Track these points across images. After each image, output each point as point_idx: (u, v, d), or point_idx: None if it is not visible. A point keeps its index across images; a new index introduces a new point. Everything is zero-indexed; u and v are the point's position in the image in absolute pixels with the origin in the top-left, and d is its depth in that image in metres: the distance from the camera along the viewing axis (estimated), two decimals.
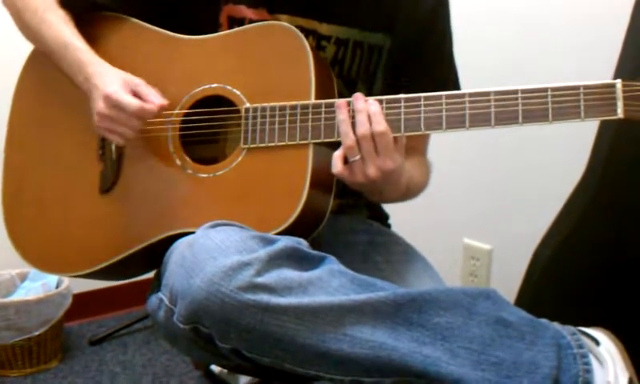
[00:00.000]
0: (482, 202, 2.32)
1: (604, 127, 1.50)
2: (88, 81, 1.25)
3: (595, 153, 1.53)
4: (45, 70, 1.36)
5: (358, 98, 1.12)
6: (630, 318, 1.36)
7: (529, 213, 2.10)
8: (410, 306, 0.98)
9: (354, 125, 1.11)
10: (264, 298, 0.95)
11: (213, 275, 0.96)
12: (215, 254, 0.99)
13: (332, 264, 1.04)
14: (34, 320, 2.19)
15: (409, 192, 1.26)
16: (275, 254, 0.99)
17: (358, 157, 1.10)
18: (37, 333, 2.20)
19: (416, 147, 1.37)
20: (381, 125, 1.09)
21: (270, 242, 1.02)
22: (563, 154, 1.90)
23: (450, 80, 1.40)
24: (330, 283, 0.99)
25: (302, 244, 1.05)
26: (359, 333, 0.96)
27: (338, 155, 1.12)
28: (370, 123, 1.09)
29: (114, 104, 1.19)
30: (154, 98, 1.21)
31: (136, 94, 1.21)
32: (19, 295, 2.27)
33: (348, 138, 1.10)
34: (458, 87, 1.40)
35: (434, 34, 1.38)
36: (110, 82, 1.22)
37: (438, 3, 1.37)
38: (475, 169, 2.30)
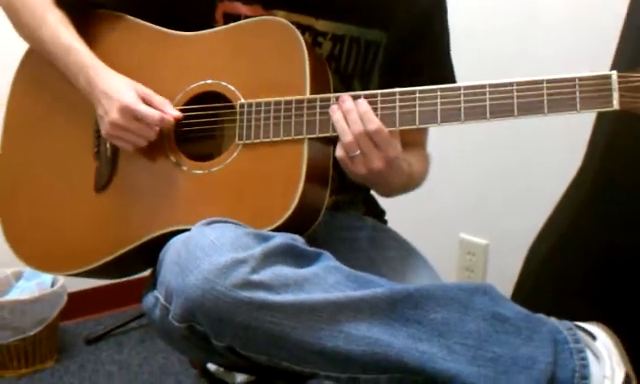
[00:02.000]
0: (478, 197, 2.32)
1: (600, 123, 1.50)
2: (92, 85, 1.24)
3: (591, 148, 1.52)
4: (40, 70, 1.36)
5: (345, 100, 1.12)
6: (626, 312, 1.36)
7: (525, 208, 2.10)
8: (405, 302, 0.97)
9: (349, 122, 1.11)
10: (259, 295, 0.95)
11: (208, 273, 0.96)
12: (210, 252, 0.98)
13: (328, 260, 1.03)
14: (29, 320, 2.18)
15: (411, 179, 1.28)
16: (270, 251, 0.99)
17: (357, 152, 1.11)
18: (32, 332, 2.19)
19: (417, 141, 1.38)
20: (373, 123, 1.10)
21: (265, 238, 1.02)
22: (559, 149, 1.90)
23: (447, 77, 1.39)
24: (326, 280, 0.99)
25: (298, 240, 1.04)
26: (355, 330, 0.96)
27: (340, 145, 1.13)
28: (363, 122, 1.10)
29: (132, 115, 1.20)
30: (170, 109, 1.22)
31: (146, 101, 1.22)
32: (14, 295, 2.26)
33: (346, 136, 1.11)
34: (452, 78, 1.40)
35: (431, 31, 1.38)
36: (123, 90, 1.22)
37: (435, 0, 1.36)
38: (471, 164, 2.30)
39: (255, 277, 0.95)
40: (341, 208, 1.40)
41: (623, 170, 1.46)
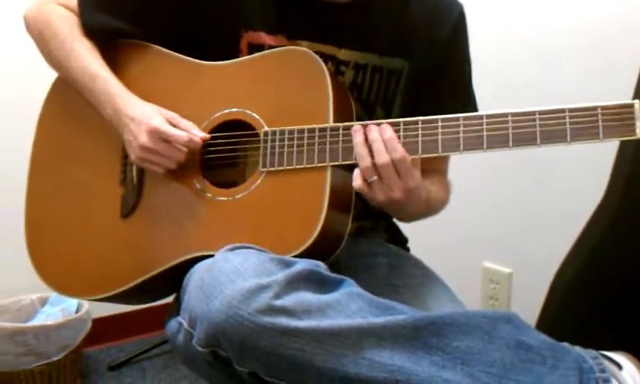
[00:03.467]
0: (502, 225, 2.31)
1: (623, 148, 1.49)
2: (118, 113, 1.26)
3: (616, 174, 1.51)
4: (67, 99, 1.39)
5: (372, 130, 1.13)
6: None
7: (548, 236, 2.09)
8: (429, 330, 0.97)
9: (370, 148, 1.12)
10: (282, 321, 0.95)
11: (231, 298, 0.96)
12: (233, 277, 0.99)
13: (350, 287, 1.03)
14: (54, 345, 2.18)
15: (429, 207, 1.28)
16: (293, 277, 0.99)
17: (375, 178, 1.11)
18: (56, 358, 2.19)
19: (437, 169, 1.38)
20: (397, 151, 1.11)
21: (289, 264, 1.02)
22: (583, 176, 1.90)
23: (468, 104, 1.41)
24: (349, 306, 0.99)
25: (321, 266, 1.05)
26: (378, 356, 0.95)
27: (358, 172, 1.13)
28: (387, 150, 1.11)
29: (161, 137, 1.22)
30: (196, 131, 1.24)
31: (173, 125, 1.23)
32: (39, 320, 2.27)
33: (364, 161, 1.12)
34: (474, 108, 1.41)
35: (453, 59, 1.39)
36: (150, 114, 1.24)
37: (456, 28, 1.37)
38: (495, 191, 2.30)
39: (278, 302, 0.96)
40: (363, 234, 1.41)
41: None
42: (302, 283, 1.00)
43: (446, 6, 1.38)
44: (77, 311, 2.31)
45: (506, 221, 2.30)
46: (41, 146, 1.43)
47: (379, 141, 1.12)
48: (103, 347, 2.57)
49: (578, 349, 1.02)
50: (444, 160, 1.42)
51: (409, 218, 1.32)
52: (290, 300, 0.97)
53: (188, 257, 1.20)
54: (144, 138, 1.22)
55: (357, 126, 1.14)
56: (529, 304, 1.65)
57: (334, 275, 1.05)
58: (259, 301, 0.95)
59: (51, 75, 1.42)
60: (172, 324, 1.15)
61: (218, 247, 1.13)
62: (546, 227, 2.15)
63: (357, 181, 1.13)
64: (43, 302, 2.35)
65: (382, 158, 1.11)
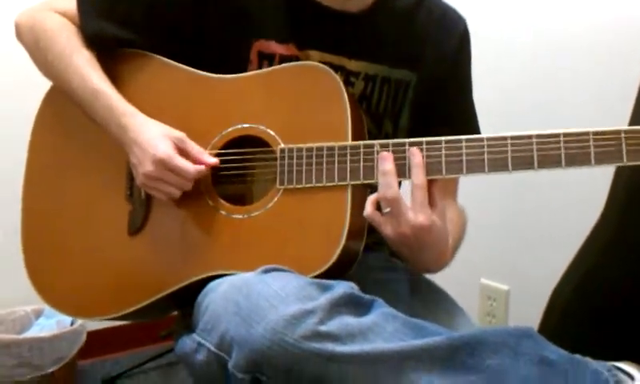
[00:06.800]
0: (500, 243, 2.32)
1: (621, 168, 1.49)
2: (124, 132, 1.23)
3: (613, 193, 1.52)
4: (63, 110, 1.34)
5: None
6: None
7: (546, 253, 2.10)
8: (464, 350, 0.96)
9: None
10: (329, 346, 0.94)
11: (275, 324, 0.95)
12: (275, 302, 0.97)
13: (382, 307, 1.02)
14: (48, 357, 2.17)
15: (452, 255, 1.26)
16: (335, 301, 0.98)
17: (389, 209, 1.09)
18: (50, 370, 2.18)
19: (448, 189, 1.37)
20: (419, 178, 1.09)
21: (327, 288, 1.01)
22: (580, 193, 1.90)
23: (472, 117, 1.42)
24: (386, 328, 0.98)
25: (355, 288, 1.03)
26: (418, 378, 0.95)
27: (372, 199, 1.11)
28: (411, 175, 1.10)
29: (169, 168, 1.18)
30: (206, 158, 1.21)
31: (181, 150, 1.20)
32: (34, 332, 2.26)
33: (390, 190, 1.09)
34: (477, 124, 1.42)
35: (459, 72, 1.40)
36: (158, 142, 1.20)
37: (462, 42, 1.39)
38: (492, 209, 2.30)
39: (323, 328, 0.95)
40: (370, 248, 1.40)
41: None
42: (342, 307, 0.98)
43: (453, 19, 1.40)
44: (72, 324, 2.29)
45: (504, 238, 2.31)
46: (36, 159, 1.38)
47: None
48: (97, 360, 2.55)
49: (592, 361, 1.02)
50: (455, 179, 1.42)
51: (425, 268, 1.27)
52: (335, 325, 0.95)
53: (204, 275, 1.18)
54: (149, 168, 1.19)
55: (385, 153, 1.12)
56: (526, 321, 1.62)
57: (366, 296, 1.03)
58: (305, 326, 0.94)
59: (42, 80, 1.37)
60: (186, 342, 1.13)
61: (234, 266, 1.12)
62: (543, 245, 2.16)
63: (367, 209, 1.11)
64: (38, 313, 2.34)
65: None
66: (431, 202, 1.09)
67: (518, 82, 2.20)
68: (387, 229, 1.10)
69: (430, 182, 1.10)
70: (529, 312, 1.68)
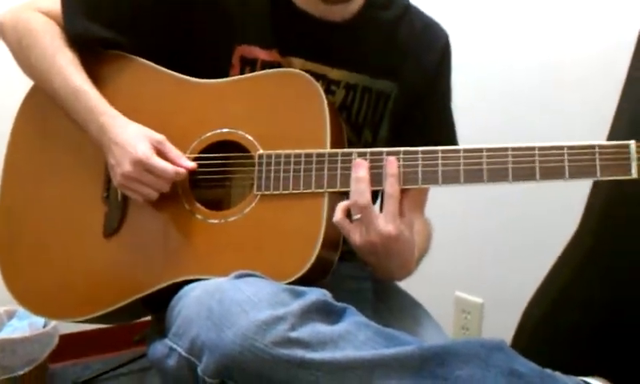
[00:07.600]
0: (474, 256, 2.33)
1: (598, 184, 1.50)
2: (103, 133, 1.23)
3: (589, 207, 1.52)
4: (44, 110, 1.34)
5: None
6: (623, 368, 1.35)
7: (520, 267, 2.11)
8: (434, 360, 0.97)
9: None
10: (299, 352, 0.94)
11: (246, 330, 0.94)
12: (247, 308, 0.97)
13: (355, 316, 1.03)
14: (19, 359, 2.15)
15: (416, 265, 1.25)
16: (307, 308, 0.98)
17: (359, 216, 1.09)
18: (21, 372, 2.15)
19: (417, 201, 1.39)
20: (392, 187, 1.10)
21: (300, 294, 1.01)
22: (556, 207, 1.91)
23: (450, 129, 1.43)
24: (357, 336, 0.98)
25: (327, 295, 1.03)
26: None
27: (342, 206, 1.11)
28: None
29: (147, 169, 1.18)
30: (185, 162, 1.21)
31: (160, 152, 1.20)
32: (6, 333, 2.23)
33: (362, 197, 1.09)
34: (455, 136, 1.43)
35: (440, 85, 1.42)
36: (137, 141, 1.20)
37: (444, 55, 1.41)
38: (467, 222, 2.32)
39: (294, 334, 0.94)
40: (344, 258, 1.40)
41: (623, 232, 1.47)
42: (314, 314, 0.98)
43: (435, 33, 1.41)
44: (44, 326, 2.27)
45: (479, 251, 2.32)
46: (15, 157, 1.37)
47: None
48: (69, 364, 2.53)
49: (562, 376, 1.03)
50: (424, 192, 1.42)
51: (391, 276, 1.27)
52: (306, 332, 0.95)
53: (176, 280, 1.17)
54: (128, 168, 1.18)
55: (359, 160, 1.12)
56: (499, 334, 1.63)
57: (338, 304, 1.04)
58: (275, 333, 0.94)
59: (24, 79, 1.36)
60: (158, 347, 1.12)
61: (208, 271, 1.12)
62: (517, 258, 2.17)
63: (337, 215, 1.11)
64: (11, 315, 2.31)
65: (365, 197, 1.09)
66: (400, 213, 1.10)
67: (500, 92, 2.21)
68: (355, 236, 1.10)
69: (401, 193, 1.10)
70: (503, 325, 1.69)
